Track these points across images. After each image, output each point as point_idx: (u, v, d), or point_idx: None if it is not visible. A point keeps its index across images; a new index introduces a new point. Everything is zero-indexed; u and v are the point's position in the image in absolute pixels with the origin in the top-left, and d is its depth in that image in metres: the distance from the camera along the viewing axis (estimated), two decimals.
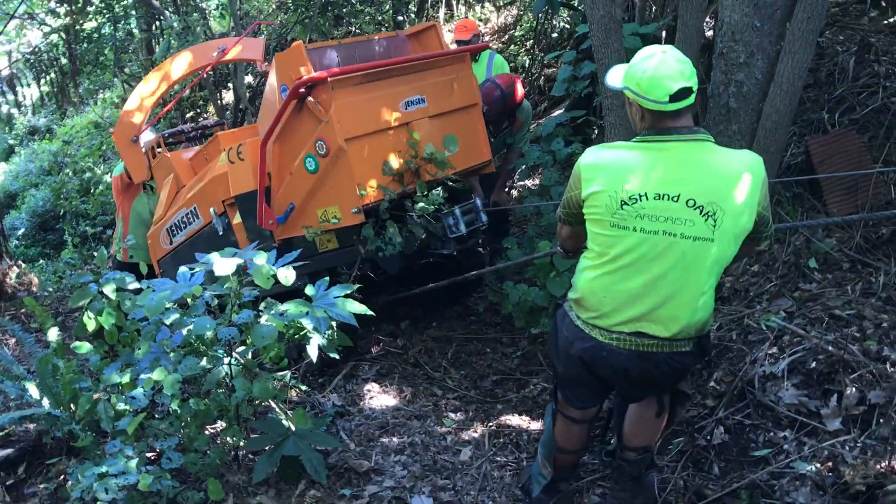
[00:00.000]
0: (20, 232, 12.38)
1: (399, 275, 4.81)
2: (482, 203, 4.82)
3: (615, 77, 2.70)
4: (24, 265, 9.37)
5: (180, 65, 5.77)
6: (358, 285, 3.57)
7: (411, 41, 5.10)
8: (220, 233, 4.85)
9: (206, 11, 10.07)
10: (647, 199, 2.48)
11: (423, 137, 4.57)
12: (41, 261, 10.98)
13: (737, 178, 2.46)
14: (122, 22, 11.98)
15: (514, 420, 4.09)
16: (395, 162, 4.42)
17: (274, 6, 13.58)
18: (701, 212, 2.45)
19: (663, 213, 2.47)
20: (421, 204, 4.31)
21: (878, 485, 2.80)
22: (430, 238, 4.57)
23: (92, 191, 12.19)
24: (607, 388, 2.98)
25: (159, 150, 5.56)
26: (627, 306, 2.59)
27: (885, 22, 6.16)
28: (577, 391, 2.97)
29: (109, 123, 13.70)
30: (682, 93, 2.45)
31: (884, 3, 6.60)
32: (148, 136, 5.70)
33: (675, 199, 2.46)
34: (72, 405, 3.47)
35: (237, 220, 4.77)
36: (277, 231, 4.59)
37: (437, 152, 4.47)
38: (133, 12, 11.87)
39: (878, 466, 2.89)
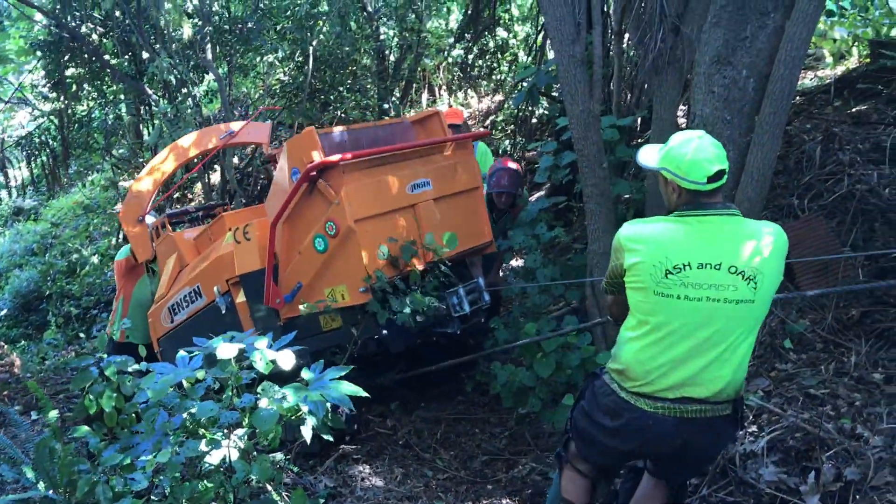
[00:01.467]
0: (2, 313, 12.35)
1: (404, 353, 4.90)
2: (484, 282, 4.97)
3: (649, 158, 2.90)
4: (6, 346, 9.39)
5: (189, 148, 5.93)
6: (352, 366, 3.67)
7: (415, 127, 5.30)
8: (223, 311, 4.93)
9: (197, 98, 10.36)
10: (690, 268, 2.66)
11: (428, 219, 4.74)
12: (23, 342, 10.97)
13: (770, 245, 2.67)
14: (112, 106, 12.29)
15: (504, 501, 4.15)
16: (394, 246, 4.55)
17: (261, 91, 13.97)
18: (743, 276, 2.63)
19: (707, 281, 2.65)
20: (415, 296, 4.43)
21: None
22: (435, 317, 4.67)
23: (78, 271, 12.26)
24: (625, 460, 3.06)
25: (163, 230, 5.67)
26: (673, 371, 2.70)
27: (848, 112, 6.52)
28: (598, 452, 3.03)
29: (97, 205, 13.87)
30: (719, 174, 2.67)
31: (846, 94, 6.99)
32: (151, 218, 5.84)
33: (718, 266, 2.64)
34: (68, 488, 3.51)
35: (241, 299, 4.85)
36: (284, 310, 4.67)
37: (437, 246, 4.62)
38: (122, 97, 12.22)
39: None
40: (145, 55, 10.58)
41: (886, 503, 3.10)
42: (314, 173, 4.35)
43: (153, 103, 10.95)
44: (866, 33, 7.64)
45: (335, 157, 4.30)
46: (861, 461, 3.32)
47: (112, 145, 12.73)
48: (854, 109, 6.53)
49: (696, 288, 2.65)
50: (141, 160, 12.40)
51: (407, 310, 4.38)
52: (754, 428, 3.77)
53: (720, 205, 2.72)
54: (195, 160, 6.59)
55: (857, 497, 3.19)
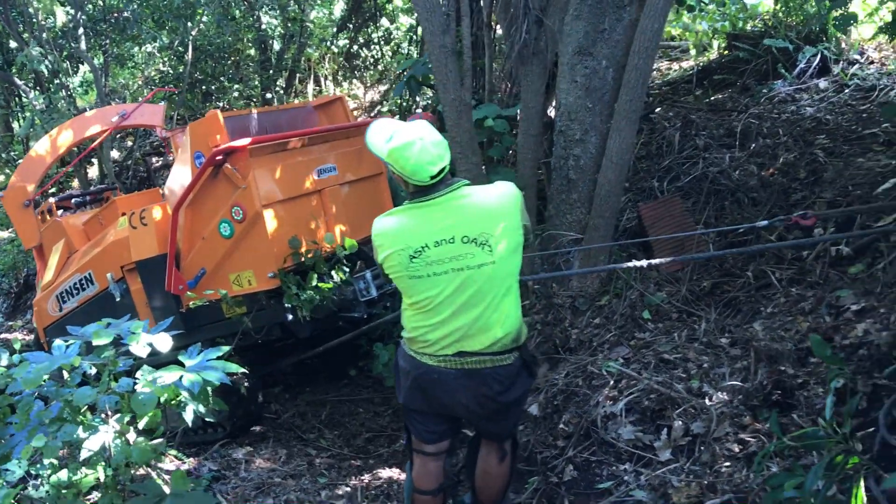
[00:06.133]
0: None
1: (308, 338, 4.94)
2: None
3: (379, 144, 2.98)
4: None
5: (77, 129, 5.73)
6: (229, 347, 3.73)
7: (318, 112, 5.34)
8: (118, 299, 4.84)
9: (70, 88, 10.02)
10: (429, 248, 2.89)
11: (334, 205, 4.80)
12: None
13: (497, 208, 2.92)
14: None
15: (386, 473, 4.31)
16: (302, 236, 4.60)
17: (140, 82, 13.60)
18: (476, 243, 2.88)
19: (446, 255, 2.88)
20: (310, 294, 4.50)
21: (698, 503, 3.22)
22: (342, 302, 4.73)
23: None
24: (453, 419, 3.25)
25: (49, 215, 5.51)
26: (446, 335, 2.95)
27: (706, 100, 6.99)
28: (424, 423, 3.24)
29: None
30: (441, 171, 2.87)
31: (706, 83, 7.48)
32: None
33: (451, 240, 2.88)
34: None
35: (136, 286, 4.77)
36: (186, 298, 4.62)
37: (337, 247, 4.70)
38: None
39: (700, 488, 3.32)
40: (13, 44, 10.17)
41: (726, 451, 3.43)
42: (220, 157, 4.31)
43: (23, 94, 10.52)
44: (724, 27, 8.19)
45: (244, 142, 4.28)
46: (705, 416, 3.65)
47: None
48: (712, 98, 7.01)
49: (440, 264, 2.88)
50: (13, 153, 11.90)
51: (317, 296, 4.46)
52: (614, 392, 4.06)
53: (443, 185, 2.91)
54: (76, 149, 6.35)
55: (702, 448, 3.51)
